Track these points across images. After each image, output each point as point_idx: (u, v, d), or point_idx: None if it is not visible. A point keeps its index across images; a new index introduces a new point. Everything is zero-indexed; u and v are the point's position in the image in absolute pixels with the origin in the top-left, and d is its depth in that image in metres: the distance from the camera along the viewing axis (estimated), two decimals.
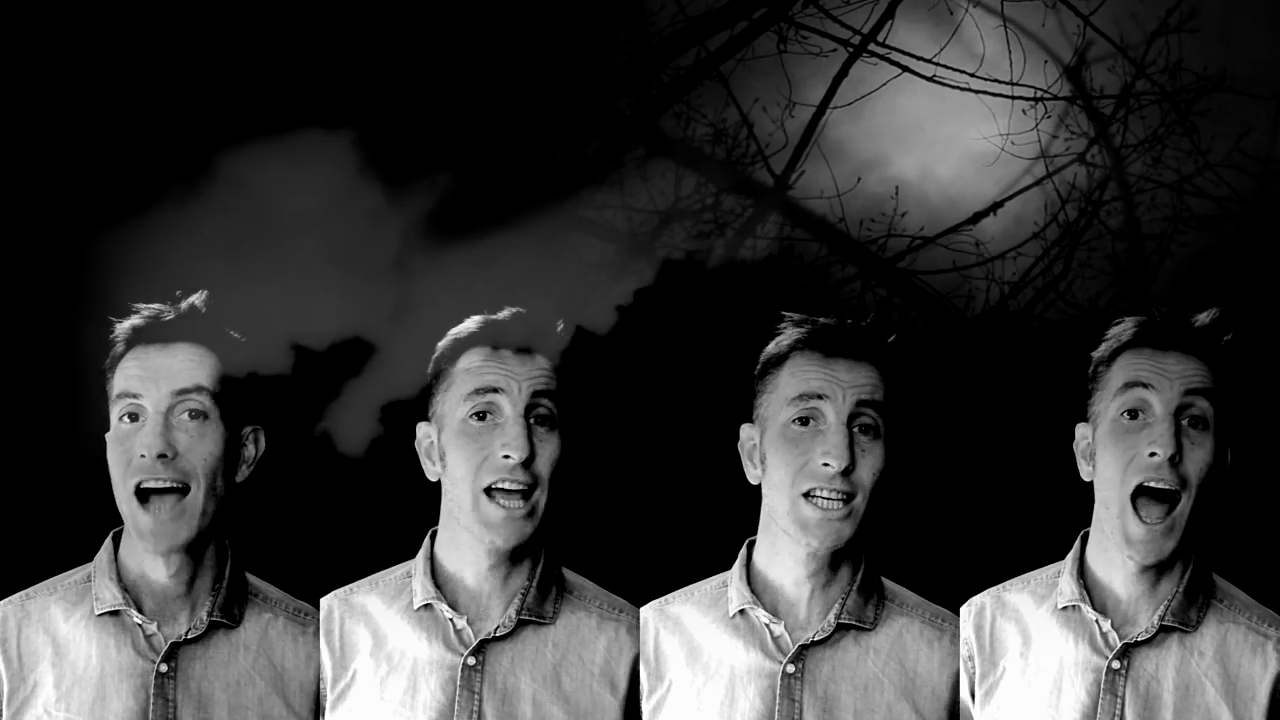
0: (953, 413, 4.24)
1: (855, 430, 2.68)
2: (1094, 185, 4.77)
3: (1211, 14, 4.64)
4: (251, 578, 2.73)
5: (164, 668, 2.58)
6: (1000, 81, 4.71)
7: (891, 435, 2.72)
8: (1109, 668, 2.67)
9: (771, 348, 2.78)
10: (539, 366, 2.71)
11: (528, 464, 2.65)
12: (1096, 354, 2.76)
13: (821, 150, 4.76)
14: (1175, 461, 2.64)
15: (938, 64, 4.71)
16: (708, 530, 2.97)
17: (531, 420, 2.68)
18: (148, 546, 2.61)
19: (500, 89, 4.53)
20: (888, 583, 2.80)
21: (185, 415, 2.63)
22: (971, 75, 4.71)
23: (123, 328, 2.70)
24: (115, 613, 2.62)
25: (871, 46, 4.74)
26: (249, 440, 2.70)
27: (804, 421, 2.69)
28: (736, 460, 2.80)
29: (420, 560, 2.76)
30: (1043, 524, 2.84)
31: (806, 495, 2.69)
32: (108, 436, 2.67)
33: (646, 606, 2.83)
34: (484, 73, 4.53)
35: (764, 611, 2.72)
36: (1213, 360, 2.70)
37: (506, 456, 2.65)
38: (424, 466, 2.76)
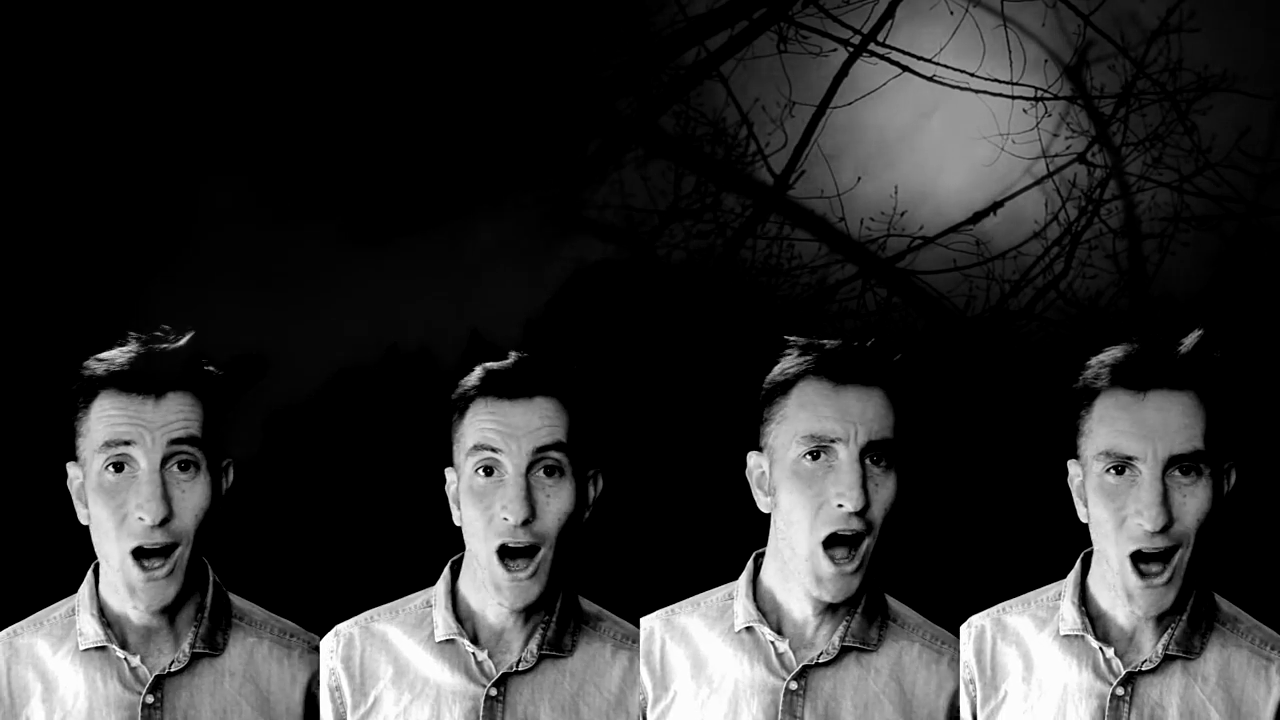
0: (951, 414, 4.24)
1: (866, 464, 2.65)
2: (1094, 184, 4.75)
3: (1211, 14, 4.61)
4: (236, 599, 2.72)
5: (150, 699, 2.60)
6: (1000, 81, 4.69)
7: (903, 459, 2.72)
8: (1113, 694, 2.66)
9: (776, 373, 2.75)
10: (542, 414, 2.67)
11: (529, 523, 2.64)
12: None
13: (821, 150, 4.74)
14: (1169, 523, 2.59)
15: (938, 64, 4.69)
16: (708, 538, 2.98)
17: (539, 472, 2.66)
18: (138, 605, 2.58)
19: (500, 89, 4.52)
20: (891, 601, 2.81)
21: (175, 468, 2.57)
22: (971, 75, 4.68)
23: (99, 363, 2.60)
24: (100, 647, 2.62)
25: (871, 46, 4.72)
26: (225, 474, 2.66)
27: (814, 456, 2.68)
28: (738, 467, 2.80)
29: (441, 593, 2.77)
30: (1044, 531, 2.82)
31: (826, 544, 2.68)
32: (87, 475, 2.59)
33: (652, 615, 2.85)
34: (483, 72, 4.53)
35: (769, 630, 2.74)
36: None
37: (505, 519, 2.64)
38: (452, 510, 2.76)
